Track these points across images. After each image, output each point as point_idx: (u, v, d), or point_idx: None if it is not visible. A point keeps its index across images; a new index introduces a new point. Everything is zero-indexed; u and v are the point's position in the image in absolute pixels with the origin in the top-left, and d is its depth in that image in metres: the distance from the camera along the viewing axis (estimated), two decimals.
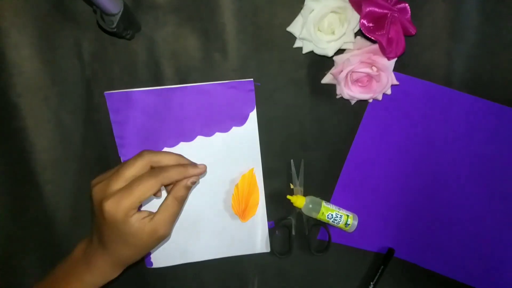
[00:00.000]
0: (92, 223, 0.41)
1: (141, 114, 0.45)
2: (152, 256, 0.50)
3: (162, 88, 0.45)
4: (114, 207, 0.36)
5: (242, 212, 0.49)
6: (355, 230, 0.49)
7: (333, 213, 0.48)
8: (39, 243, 0.48)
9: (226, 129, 0.47)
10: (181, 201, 0.40)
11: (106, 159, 0.47)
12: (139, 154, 0.38)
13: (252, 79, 0.46)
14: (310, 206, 0.48)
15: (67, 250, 0.48)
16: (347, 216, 0.48)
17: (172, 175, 0.38)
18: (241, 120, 0.47)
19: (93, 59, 0.44)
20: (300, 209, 0.49)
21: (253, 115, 0.47)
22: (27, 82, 0.43)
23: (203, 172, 0.40)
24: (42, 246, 0.48)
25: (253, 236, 0.51)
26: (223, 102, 0.46)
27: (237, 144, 0.48)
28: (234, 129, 0.47)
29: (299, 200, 0.48)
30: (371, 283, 0.52)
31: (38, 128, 0.44)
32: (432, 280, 0.54)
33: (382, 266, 0.52)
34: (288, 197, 0.49)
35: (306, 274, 0.54)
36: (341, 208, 0.49)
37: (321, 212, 0.48)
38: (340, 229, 0.50)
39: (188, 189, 0.40)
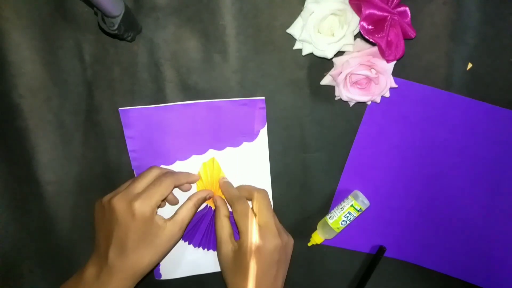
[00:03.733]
0: (103, 241, 0.42)
1: (154, 129, 0.46)
2: (161, 268, 0.51)
3: (175, 105, 0.46)
4: (144, 204, 0.40)
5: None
6: (368, 207, 0.49)
7: (342, 218, 0.48)
8: (40, 244, 0.48)
9: (237, 144, 0.48)
10: (196, 209, 0.46)
11: (107, 159, 0.47)
12: (149, 169, 0.44)
13: (263, 97, 0.46)
14: (326, 233, 0.50)
15: (67, 251, 0.49)
16: (351, 206, 0.48)
17: (181, 177, 0.45)
18: (252, 136, 0.48)
19: (94, 60, 0.44)
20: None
21: (263, 132, 0.48)
22: (28, 83, 0.43)
23: (197, 179, 0.48)
24: (43, 246, 0.48)
25: None
26: (235, 119, 0.47)
27: (247, 159, 0.48)
28: (245, 144, 0.48)
29: (316, 239, 0.51)
30: (365, 280, 0.52)
31: (39, 128, 0.45)
32: (431, 278, 0.54)
33: (374, 263, 0.52)
34: (309, 244, 0.52)
35: (303, 274, 0.54)
36: (340, 204, 0.50)
37: (335, 228, 0.49)
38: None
39: (204, 200, 0.47)
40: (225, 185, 0.48)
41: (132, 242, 0.40)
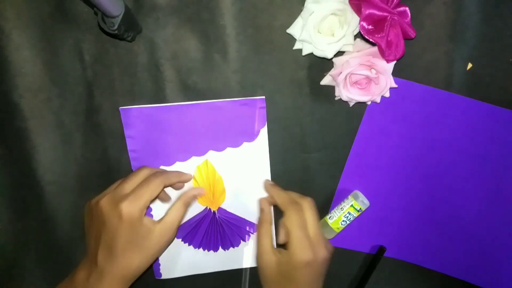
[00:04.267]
0: (92, 243, 0.41)
1: (154, 129, 0.46)
2: (161, 267, 0.51)
3: (175, 105, 0.46)
4: (131, 206, 0.39)
5: (211, 201, 0.49)
6: (368, 207, 0.49)
7: (342, 219, 0.48)
8: (40, 244, 0.48)
9: (237, 145, 0.48)
10: (187, 208, 0.45)
11: (107, 160, 0.47)
12: (139, 169, 0.44)
13: (264, 97, 0.46)
14: (326, 233, 0.50)
15: (67, 251, 0.49)
16: (351, 207, 0.48)
17: (171, 176, 0.44)
18: (252, 136, 0.48)
19: (94, 60, 0.44)
20: None
21: (263, 131, 0.48)
22: (28, 83, 0.43)
23: (190, 178, 0.47)
24: (43, 246, 0.48)
25: None
26: (235, 119, 0.47)
27: (248, 159, 0.48)
28: (245, 144, 0.48)
29: None
30: (365, 280, 0.52)
31: (39, 129, 0.45)
32: (431, 278, 0.54)
33: (374, 263, 0.52)
34: None
35: None
36: (340, 204, 0.50)
37: (335, 228, 0.49)
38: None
39: (195, 198, 0.47)
40: (275, 189, 0.46)
41: (120, 244, 0.39)
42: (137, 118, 0.46)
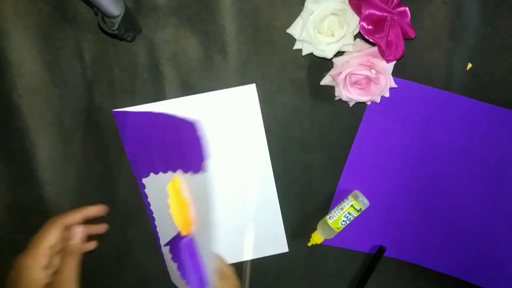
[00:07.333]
0: None
1: (149, 129, 0.46)
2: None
3: (160, 113, 0.45)
4: None
5: (184, 224, 0.46)
6: (368, 206, 0.50)
7: (342, 218, 0.49)
8: None
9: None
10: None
11: (107, 159, 0.47)
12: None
13: (254, 83, 0.46)
14: (326, 233, 0.50)
15: None
16: (351, 207, 0.48)
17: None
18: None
19: (94, 60, 0.44)
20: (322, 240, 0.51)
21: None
22: (28, 83, 0.43)
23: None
24: None
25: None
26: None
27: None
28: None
29: (316, 239, 0.51)
30: (365, 280, 0.53)
31: (39, 128, 0.45)
32: (430, 278, 0.54)
33: (374, 263, 0.52)
34: (309, 244, 0.52)
35: (303, 274, 0.54)
36: (340, 204, 0.50)
37: (335, 228, 0.49)
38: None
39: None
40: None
41: None
42: (132, 120, 0.45)
